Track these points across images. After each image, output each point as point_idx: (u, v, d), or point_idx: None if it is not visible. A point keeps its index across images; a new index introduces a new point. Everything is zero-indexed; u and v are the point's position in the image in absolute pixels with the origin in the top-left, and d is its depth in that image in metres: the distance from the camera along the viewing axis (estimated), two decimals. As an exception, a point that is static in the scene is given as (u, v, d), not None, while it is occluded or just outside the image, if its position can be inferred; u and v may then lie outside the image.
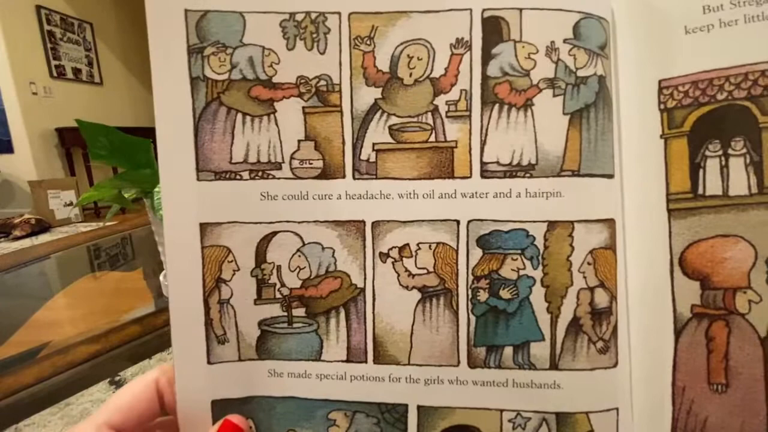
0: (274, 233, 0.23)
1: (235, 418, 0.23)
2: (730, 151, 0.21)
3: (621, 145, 0.23)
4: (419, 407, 0.23)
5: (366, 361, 0.23)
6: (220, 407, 0.23)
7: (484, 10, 0.22)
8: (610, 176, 0.22)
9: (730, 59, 0.21)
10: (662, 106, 0.22)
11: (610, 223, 0.22)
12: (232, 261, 0.23)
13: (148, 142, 0.65)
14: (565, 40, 0.22)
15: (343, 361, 0.23)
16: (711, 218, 0.22)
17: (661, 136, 0.23)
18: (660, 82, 0.22)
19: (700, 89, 0.22)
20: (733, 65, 0.21)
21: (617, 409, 0.22)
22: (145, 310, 0.75)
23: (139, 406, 0.23)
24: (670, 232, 0.22)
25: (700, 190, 0.22)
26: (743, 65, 0.21)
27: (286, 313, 0.23)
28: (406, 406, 0.23)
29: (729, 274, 0.22)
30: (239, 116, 0.23)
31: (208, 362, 0.23)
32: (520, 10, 0.21)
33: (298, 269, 0.23)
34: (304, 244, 0.23)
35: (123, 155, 0.65)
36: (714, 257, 0.22)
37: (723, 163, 0.21)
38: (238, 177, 0.23)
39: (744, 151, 0.21)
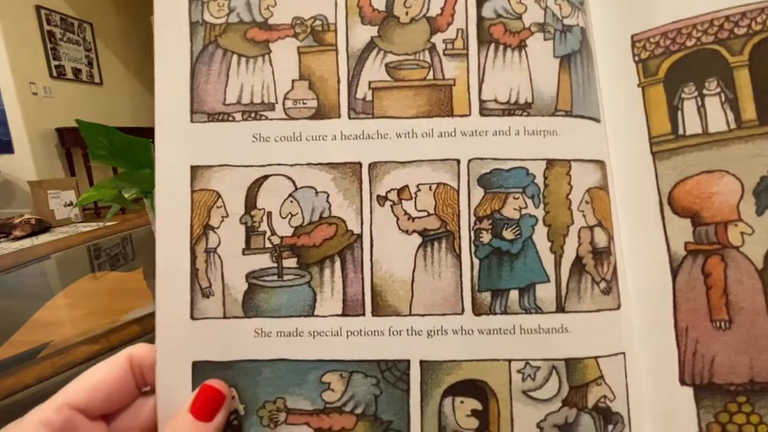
0: (266, 177, 0.22)
1: (216, 383, 0.20)
2: (705, 92, 0.23)
3: (601, 95, 0.24)
4: (422, 362, 0.21)
5: (364, 314, 0.21)
6: (201, 370, 0.21)
7: None
8: (598, 120, 0.23)
9: (695, 9, 0.23)
10: (636, 58, 0.24)
11: (601, 164, 0.23)
12: (221, 206, 0.22)
13: (148, 142, 0.65)
14: None
15: (338, 315, 0.21)
16: (694, 156, 0.23)
17: (638, 85, 0.24)
18: (632, 36, 0.24)
19: (669, 38, 0.23)
20: (698, 14, 0.23)
21: (624, 353, 0.22)
22: (145, 310, 0.73)
23: (107, 384, 0.20)
24: (656, 173, 0.23)
25: (681, 131, 0.23)
26: (707, 13, 0.23)
27: (276, 264, 0.22)
28: (408, 362, 0.21)
29: (718, 208, 0.22)
30: (234, 58, 0.23)
31: (192, 317, 0.21)
32: None
33: (289, 216, 0.22)
34: (296, 189, 0.22)
35: (123, 155, 0.65)
36: (701, 193, 0.22)
37: (699, 103, 0.23)
38: (230, 118, 0.22)
39: (718, 90, 0.23)
